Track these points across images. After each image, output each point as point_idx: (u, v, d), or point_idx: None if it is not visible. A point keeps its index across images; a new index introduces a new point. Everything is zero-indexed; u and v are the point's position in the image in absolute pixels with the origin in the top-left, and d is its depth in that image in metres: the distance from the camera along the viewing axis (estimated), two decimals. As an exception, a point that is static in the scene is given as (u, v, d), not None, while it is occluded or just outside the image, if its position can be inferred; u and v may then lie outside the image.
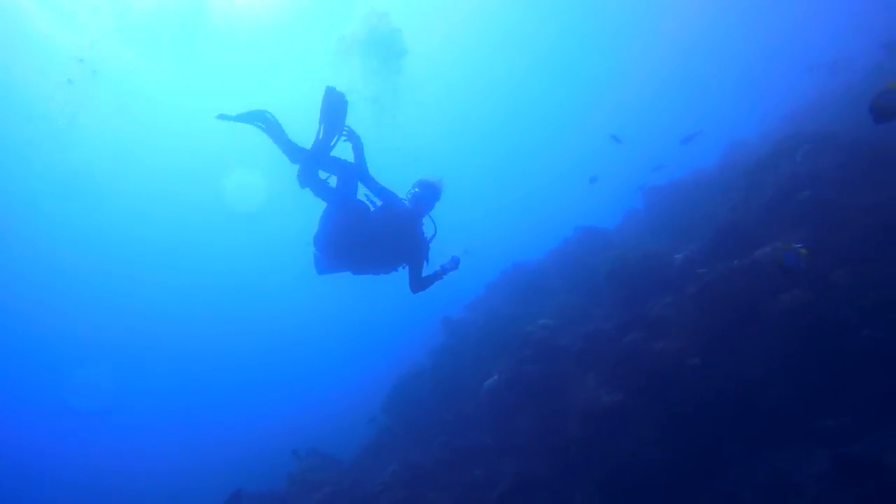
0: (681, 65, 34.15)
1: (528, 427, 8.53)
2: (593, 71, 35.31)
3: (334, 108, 5.81)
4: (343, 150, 6.14)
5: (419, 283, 6.11)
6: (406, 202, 6.07)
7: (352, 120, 6.02)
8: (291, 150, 5.81)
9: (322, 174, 5.95)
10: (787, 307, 7.13)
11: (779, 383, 6.82)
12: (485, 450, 9.13)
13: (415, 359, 13.97)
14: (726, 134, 17.70)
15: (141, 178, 35.07)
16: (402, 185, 6.29)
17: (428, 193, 5.95)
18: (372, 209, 6.04)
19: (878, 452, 5.33)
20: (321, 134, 5.84)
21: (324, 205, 6.05)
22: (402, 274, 6.27)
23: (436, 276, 6.21)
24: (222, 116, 5.70)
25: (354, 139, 6.07)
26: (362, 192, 6.18)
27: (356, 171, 6.02)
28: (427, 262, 6.16)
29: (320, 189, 5.96)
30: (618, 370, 7.57)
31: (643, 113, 35.44)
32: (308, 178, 5.85)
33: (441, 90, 33.88)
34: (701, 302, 7.93)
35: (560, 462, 7.63)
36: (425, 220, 6.07)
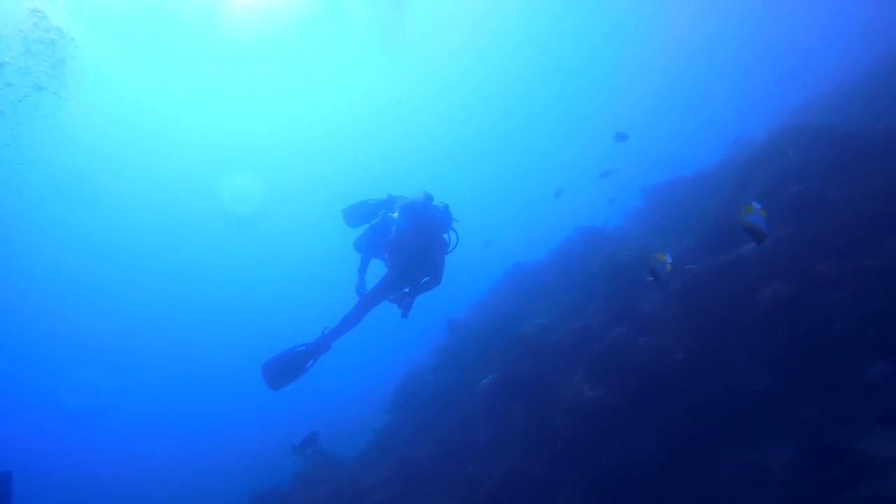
0: (686, 65, 33.93)
1: (519, 423, 8.68)
2: (601, 70, 35.29)
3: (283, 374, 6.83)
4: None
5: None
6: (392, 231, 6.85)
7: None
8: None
9: None
10: (769, 301, 7.17)
11: (760, 376, 6.87)
12: (479, 446, 9.28)
13: (420, 358, 14.18)
14: (733, 131, 17.63)
15: (139, 180, 35.62)
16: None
17: (402, 217, 6.60)
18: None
19: (847, 441, 5.38)
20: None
21: None
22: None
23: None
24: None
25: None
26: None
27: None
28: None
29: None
30: (601, 365, 7.69)
31: (650, 113, 35.28)
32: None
33: (454, 92, 34.32)
34: (686, 297, 8.01)
35: (547, 456, 7.76)
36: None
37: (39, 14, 16.20)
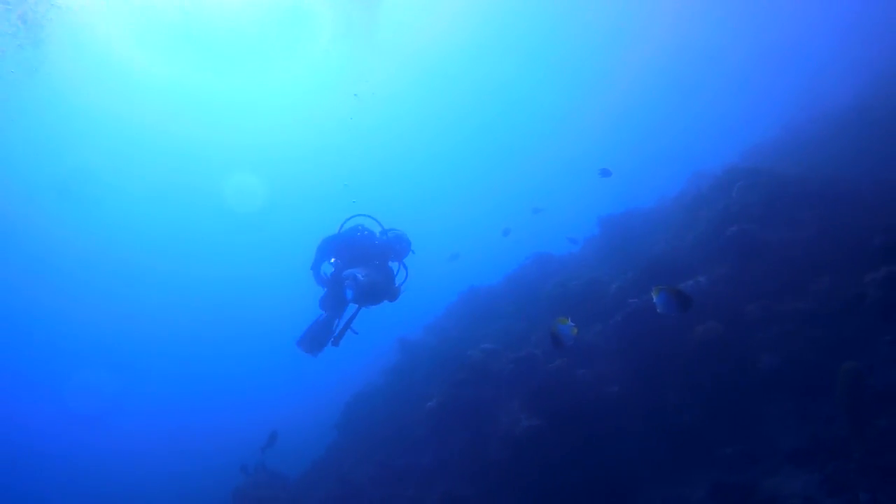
0: (644, 97, 35.06)
1: (458, 449, 8.71)
2: (566, 93, 36.25)
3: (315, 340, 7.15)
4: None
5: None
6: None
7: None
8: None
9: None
10: (701, 338, 7.41)
11: (689, 411, 7.07)
12: (420, 470, 9.28)
13: (371, 377, 14.13)
14: (693, 164, 18.18)
15: (142, 179, 35.32)
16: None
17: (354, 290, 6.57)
18: None
19: (758, 478, 5.58)
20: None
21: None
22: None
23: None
24: None
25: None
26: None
27: None
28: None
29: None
30: (539, 395, 7.81)
31: (627, 128, 36.36)
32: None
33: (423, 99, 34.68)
34: (624, 331, 8.21)
35: (483, 483, 7.82)
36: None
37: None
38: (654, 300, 5.37)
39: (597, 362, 8.22)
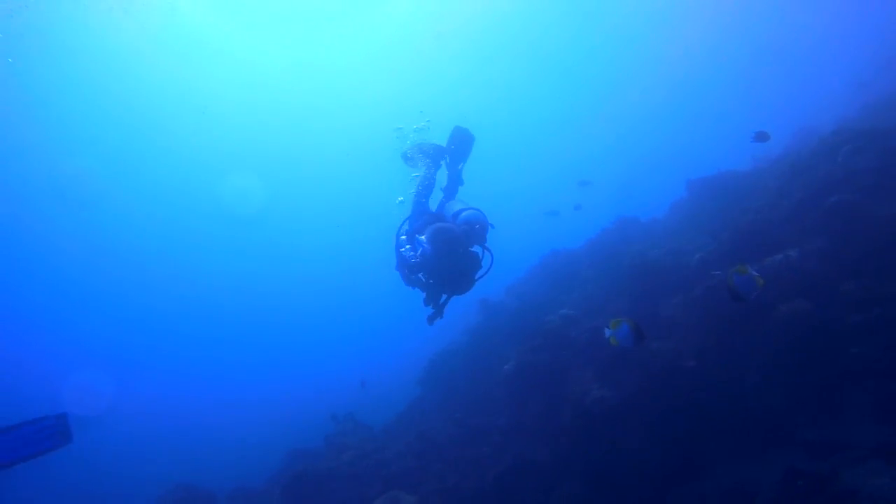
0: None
1: (533, 413, 9.00)
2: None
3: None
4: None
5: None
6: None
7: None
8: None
9: None
10: (787, 317, 7.11)
11: (769, 392, 6.89)
12: (496, 430, 9.69)
13: (453, 336, 14.60)
14: (795, 121, 16.73)
15: (139, 182, 35.95)
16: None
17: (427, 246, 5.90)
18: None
19: (838, 468, 5.43)
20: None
21: None
22: None
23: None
24: None
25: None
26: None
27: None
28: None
29: None
30: (612, 366, 7.86)
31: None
32: None
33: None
34: (705, 305, 8.00)
35: (554, 448, 8.08)
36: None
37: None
38: (734, 278, 4.88)
39: (674, 336, 8.11)
